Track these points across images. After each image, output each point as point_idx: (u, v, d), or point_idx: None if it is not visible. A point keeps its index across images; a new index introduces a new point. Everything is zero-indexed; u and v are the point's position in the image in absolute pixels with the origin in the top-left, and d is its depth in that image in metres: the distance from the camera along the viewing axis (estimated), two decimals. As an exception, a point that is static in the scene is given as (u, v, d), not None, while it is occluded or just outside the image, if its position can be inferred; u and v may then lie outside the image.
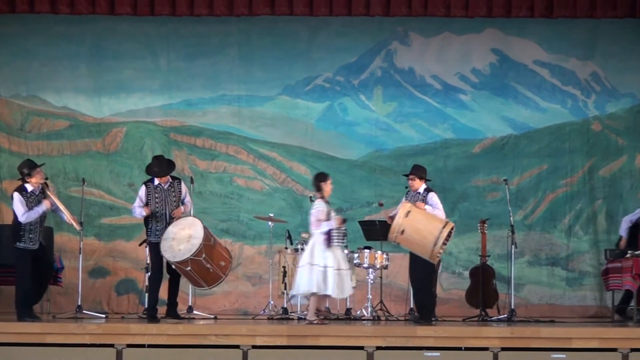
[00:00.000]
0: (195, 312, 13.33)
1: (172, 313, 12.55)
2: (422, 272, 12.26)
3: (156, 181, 12.58)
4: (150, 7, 14.11)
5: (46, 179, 12.41)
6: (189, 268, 12.15)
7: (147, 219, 12.51)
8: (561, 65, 15.35)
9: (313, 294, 11.79)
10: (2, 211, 14.99)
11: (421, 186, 12.51)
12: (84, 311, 13.28)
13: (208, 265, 12.21)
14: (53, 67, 15.24)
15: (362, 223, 14.00)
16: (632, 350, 10.89)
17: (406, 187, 12.74)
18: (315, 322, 11.70)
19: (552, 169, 15.27)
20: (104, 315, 13.44)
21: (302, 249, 13.48)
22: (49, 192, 12.25)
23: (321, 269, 11.73)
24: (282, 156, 15.34)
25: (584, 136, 15.28)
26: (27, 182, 12.20)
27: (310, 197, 14.31)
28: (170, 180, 12.60)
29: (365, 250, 13.45)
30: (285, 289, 13.49)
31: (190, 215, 12.74)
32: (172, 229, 12.33)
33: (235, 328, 11.29)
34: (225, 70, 15.31)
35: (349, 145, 15.33)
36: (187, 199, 12.71)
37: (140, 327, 11.32)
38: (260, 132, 15.36)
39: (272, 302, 13.59)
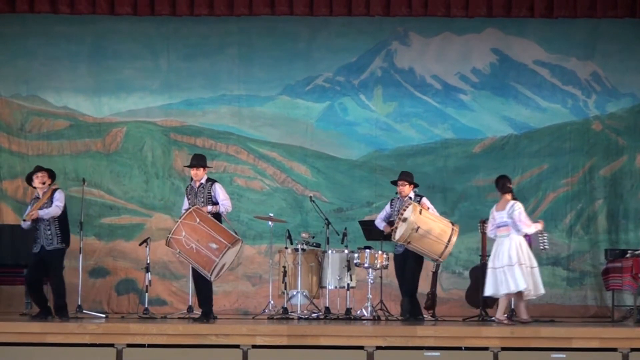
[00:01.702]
0: (195, 312, 13.30)
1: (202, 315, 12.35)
2: (412, 274, 12.74)
3: (193, 181, 12.46)
4: (150, 7, 14.11)
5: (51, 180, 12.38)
6: (178, 251, 12.03)
7: None
8: (561, 65, 15.35)
9: (507, 294, 12.12)
10: (2, 211, 15.00)
11: (410, 192, 12.72)
12: (84, 311, 13.27)
13: (192, 245, 11.90)
14: (53, 67, 15.23)
15: (362, 223, 13.99)
16: (632, 350, 10.87)
17: (396, 193, 12.88)
18: (505, 322, 11.94)
19: (553, 168, 15.26)
20: (104, 315, 13.42)
21: (303, 249, 13.49)
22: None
23: (530, 269, 12.10)
24: (282, 156, 15.32)
25: (585, 136, 15.27)
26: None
27: (310, 197, 14.30)
28: (204, 182, 12.39)
29: (366, 250, 13.43)
30: (285, 288, 13.46)
31: (225, 216, 12.45)
32: None
33: (235, 328, 11.27)
34: (225, 70, 15.30)
35: (349, 145, 15.32)
36: (220, 200, 12.30)
37: (140, 327, 11.29)
38: (260, 132, 15.35)
39: (272, 302, 13.57)
